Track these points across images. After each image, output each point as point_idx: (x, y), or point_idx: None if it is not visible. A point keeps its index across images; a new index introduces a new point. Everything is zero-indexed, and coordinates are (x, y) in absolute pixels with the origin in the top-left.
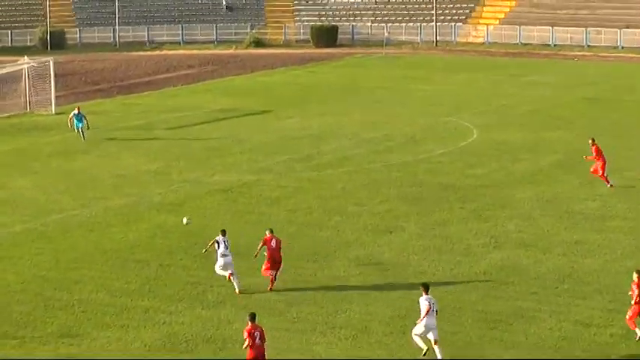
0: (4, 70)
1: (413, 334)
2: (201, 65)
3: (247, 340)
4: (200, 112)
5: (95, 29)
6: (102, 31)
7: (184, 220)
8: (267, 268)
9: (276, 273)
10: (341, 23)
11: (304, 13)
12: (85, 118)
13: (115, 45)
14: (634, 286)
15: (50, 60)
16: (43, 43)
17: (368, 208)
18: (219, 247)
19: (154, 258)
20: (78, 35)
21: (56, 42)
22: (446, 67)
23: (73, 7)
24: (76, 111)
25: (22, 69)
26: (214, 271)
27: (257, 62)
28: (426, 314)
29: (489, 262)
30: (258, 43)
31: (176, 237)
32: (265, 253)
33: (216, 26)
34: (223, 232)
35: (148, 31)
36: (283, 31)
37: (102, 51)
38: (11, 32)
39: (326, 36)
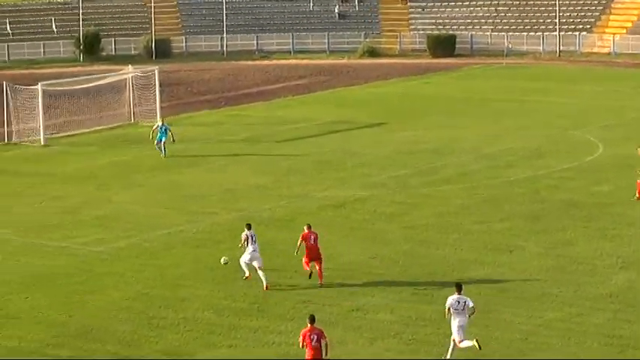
0: (107, 80)
1: (455, 337)
2: (312, 75)
3: (302, 342)
4: (311, 125)
5: (202, 37)
6: (209, 40)
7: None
8: (306, 262)
9: (319, 267)
10: (459, 32)
11: (420, 21)
12: (170, 132)
13: (223, 54)
14: None
15: (155, 69)
16: (148, 51)
17: (487, 225)
18: (248, 242)
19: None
20: (184, 44)
21: (161, 50)
22: (569, 78)
23: (179, 14)
24: (159, 122)
25: (126, 78)
26: (239, 264)
27: (371, 72)
28: (448, 312)
29: (616, 283)
30: (372, 53)
31: (286, 254)
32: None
33: (328, 35)
34: (249, 226)
35: (257, 39)
36: (398, 40)
37: (209, 60)
38: (115, 40)
39: (443, 45)
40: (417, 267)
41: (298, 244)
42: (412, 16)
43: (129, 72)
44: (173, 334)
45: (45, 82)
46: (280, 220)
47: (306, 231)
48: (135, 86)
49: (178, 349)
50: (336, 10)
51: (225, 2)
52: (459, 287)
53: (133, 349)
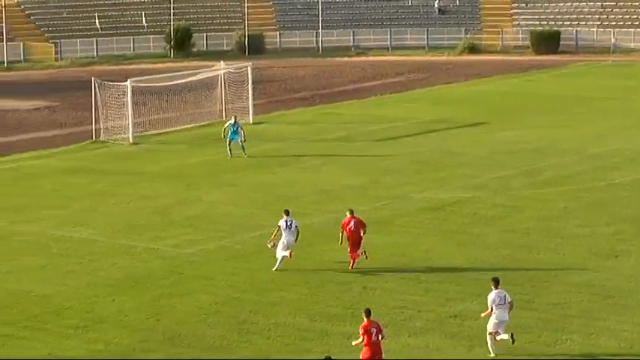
0: (199, 77)
1: (487, 332)
2: (410, 72)
3: (363, 336)
4: (408, 123)
5: (297, 33)
6: (303, 35)
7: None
8: (350, 251)
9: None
10: (564, 28)
11: (523, 17)
12: (242, 130)
13: (318, 50)
14: None
15: (248, 65)
16: (241, 47)
17: (591, 229)
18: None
19: (357, 280)
20: (278, 39)
21: (254, 46)
22: None
23: (273, 9)
24: (232, 120)
25: (217, 75)
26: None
27: (471, 69)
28: (490, 310)
29: None
30: (473, 49)
31: (381, 257)
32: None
33: (427, 30)
34: (287, 212)
35: (353, 35)
36: (500, 36)
37: (303, 56)
38: (206, 36)
39: (547, 42)
40: (517, 272)
41: (340, 234)
42: (515, 11)
43: (221, 68)
44: (264, 340)
45: (134, 79)
46: (377, 222)
47: (348, 217)
48: (227, 83)
49: (269, 355)
50: (436, 5)
51: None
52: (496, 282)
53: (222, 354)
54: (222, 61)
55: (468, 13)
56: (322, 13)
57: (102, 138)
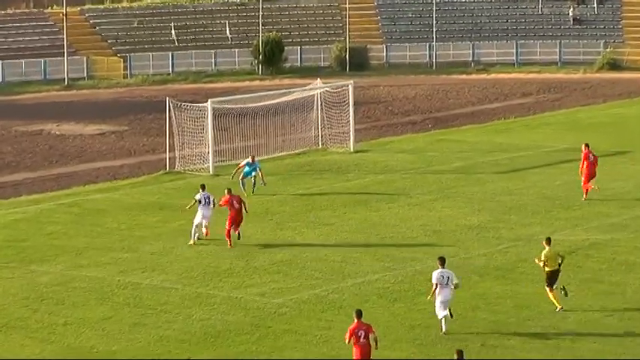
0: (292, 97)
1: (437, 313)
2: (539, 92)
3: (350, 338)
4: (538, 152)
5: (406, 46)
6: (414, 49)
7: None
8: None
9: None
10: None
11: None
12: (261, 171)
13: (431, 66)
14: None
15: (349, 84)
16: (341, 62)
17: None
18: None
19: (474, 336)
20: (384, 53)
21: (357, 61)
22: None
23: (379, 18)
24: (249, 159)
25: (313, 95)
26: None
27: (612, 89)
28: (434, 289)
29: None
30: (614, 65)
31: (505, 310)
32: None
33: (560, 43)
34: (202, 187)
35: (472, 48)
36: None
37: (414, 73)
38: (300, 49)
39: None
40: None
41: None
42: None
43: (317, 87)
44: None
45: (216, 99)
46: (499, 268)
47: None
48: (324, 104)
49: None
50: (571, 14)
51: (435, 3)
52: (442, 261)
53: None
54: (318, 79)
55: (608, 23)
56: (436, 23)
57: (177, 168)
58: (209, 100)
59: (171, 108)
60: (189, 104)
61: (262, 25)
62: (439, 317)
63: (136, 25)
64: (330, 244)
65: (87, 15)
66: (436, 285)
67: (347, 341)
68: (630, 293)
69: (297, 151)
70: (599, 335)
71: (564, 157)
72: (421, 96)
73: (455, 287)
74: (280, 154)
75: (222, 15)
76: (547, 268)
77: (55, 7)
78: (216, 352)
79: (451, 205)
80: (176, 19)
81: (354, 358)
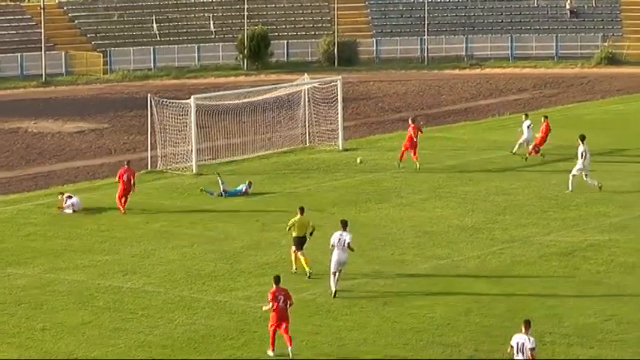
0: (278, 93)
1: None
2: (535, 88)
3: (270, 302)
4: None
5: (397, 40)
6: (405, 43)
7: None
8: None
9: None
10: None
11: None
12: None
13: (423, 61)
14: None
15: (338, 79)
16: (329, 57)
17: None
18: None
19: (467, 341)
20: (374, 47)
21: (345, 56)
22: None
23: (368, 12)
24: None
25: (300, 91)
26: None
27: (610, 85)
28: (333, 250)
29: None
30: (612, 60)
31: (498, 314)
32: None
33: (556, 37)
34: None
35: (465, 42)
36: None
37: (405, 68)
38: (287, 43)
39: None
40: None
41: None
42: None
43: (304, 83)
44: None
45: (199, 96)
46: (492, 271)
47: None
48: (312, 101)
49: None
50: (567, 6)
51: None
52: (344, 224)
53: None
54: (306, 75)
55: (607, 16)
56: (428, 16)
57: (159, 167)
58: (192, 97)
59: (153, 105)
60: (172, 101)
61: (247, 19)
62: (331, 286)
63: (116, 18)
64: (318, 246)
65: (65, 8)
66: (332, 245)
67: (267, 304)
68: (629, 296)
69: (283, 150)
70: (596, 340)
71: (561, 155)
72: (412, 92)
73: (348, 248)
74: (266, 152)
75: (206, 8)
76: (294, 234)
77: (32, 0)
78: (199, 357)
79: (443, 205)
80: (158, 12)
81: (271, 321)
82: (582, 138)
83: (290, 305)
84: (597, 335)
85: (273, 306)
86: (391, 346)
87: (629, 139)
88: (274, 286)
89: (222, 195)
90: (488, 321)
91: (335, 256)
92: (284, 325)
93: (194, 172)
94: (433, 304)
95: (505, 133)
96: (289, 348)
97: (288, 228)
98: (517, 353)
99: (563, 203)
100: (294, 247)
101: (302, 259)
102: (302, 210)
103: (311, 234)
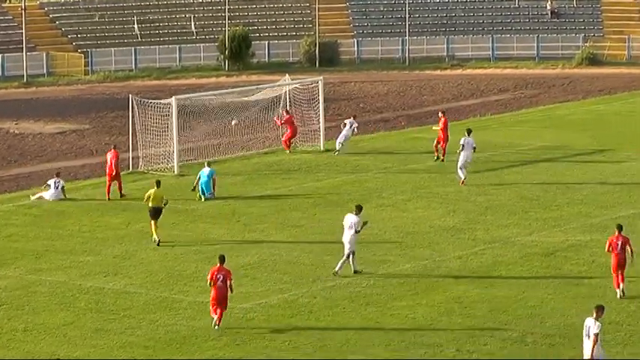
0: (258, 94)
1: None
2: (516, 89)
3: (210, 281)
4: (514, 151)
5: (378, 41)
6: (386, 44)
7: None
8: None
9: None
10: None
11: None
12: (213, 180)
13: (404, 61)
14: None
15: (319, 80)
16: (310, 58)
17: None
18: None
19: (449, 341)
20: (355, 48)
21: (327, 57)
22: None
23: (349, 12)
24: (205, 169)
25: (281, 92)
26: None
27: (591, 85)
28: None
29: None
30: (593, 60)
31: (481, 314)
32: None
33: (537, 38)
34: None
35: (447, 43)
36: (626, 44)
37: (386, 69)
38: (268, 44)
39: None
40: None
41: None
42: None
43: (285, 84)
44: None
45: (181, 96)
46: (474, 271)
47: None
48: (293, 101)
49: None
50: (548, 7)
51: None
52: (358, 208)
53: None
54: (287, 75)
55: (587, 17)
56: (409, 17)
57: (141, 168)
58: (173, 97)
59: (135, 105)
60: (153, 101)
61: (228, 19)
62: (343, 261)
63: (97, 19)
64: (299, 247)
65: (46, 9)
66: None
67: (208, 282)
68: (611, 296)
69: (264, 150)
70: (578, 340)
71: (541, 156)
72: (394, 92)
73: (356, 232)
74: (247, 153)
75: (187, 9)
76: (150, 205)
77: (13, 0)
78: (181, 358)
79: (425, 205)
80: (139, 13)
81: (211, 298)
82: (468, 132)
83: (230, 286)
84: (579, 335)
85: (211, 284)
86: (373, 347)
87: (611, 140)
88: (217, 265)
89: (212, 195)
90: (470, 321)
91: (346, 237)
92: (222, 304)
93: (175, 172)
94: (415, 305)
95: (486, 134)
96: (217, 326)
97: (145, 200)
98: (585, 337)
99: (545, 203)
100: (150, 217)
101: (155, 225)
102: (158, 183)
103: (165, 205)
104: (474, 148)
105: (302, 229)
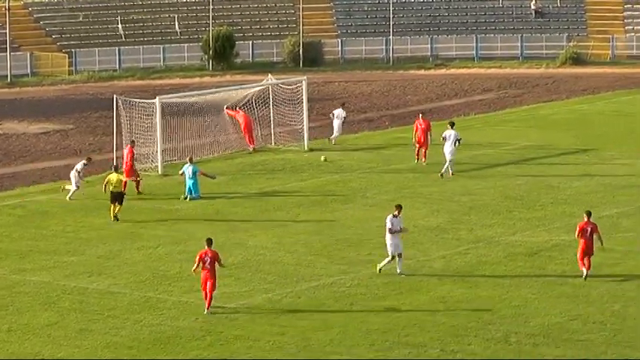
0: (242, 93)
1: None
2: (500, 88)
3: (197, 262)
4: (499, 151)
5: (362, 40)
6: (370, 44)
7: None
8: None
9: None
10: None
11: (638, 20)
12: (201, 174)
13: (388, 61)
14: None
15: (303, 80)
16: (294, 58)
17: None
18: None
19: (433, 341)
20: (339, 48)
21: (311, 56)
22: None
23: (333, 12)
24: (188, 166)
25: (266, 91)
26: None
27: (575, 85)
28: (387, 232)
29: None
30: (577, 60)
31: (465, 314)
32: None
33: (521, 37)
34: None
35: (431, 43)
36: (610, 44)
37: (370, 69)
38: (252, 44)
39: None
40: (629, 331)
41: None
42: (628, 13)
43: (269, 83)
44: None
45: (165, 96)
46: (458, 271)
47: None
48: (277, 101)
49: None
50: (532, 7)
51: None
52: (398, 208)
53: None
54: (270, 75)
55: (572, 16)
56: (393, 17)
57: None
58: (157, 97)
59: (119, 105)
60: (137, 101)
61: (212, 19)
62: (383, 262)
63: (81, 19)
64: (283, 247)
65: (30, 9)
66: (389, 228)
67: (195, 265)
68: (595, 296)
69: (248, 150)
70: (562, 340)
71: (525, 156)
72: (377, 92)
73: (402, 231)
74: (231, 152)
75: (171, 9)
76: (110, 189)
77: None
78: (166, 358)
79: (409, 205)
80: (123, 13)
81: (202, 283)
82: (451, 124)
83: (219, 263)
84: (563, 335)
85: (200, 267)
86: (357, 347)
87: (594, 139)
88: (206, 247)
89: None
90: (455, 321)
91: (390, 239)
92: (209, 285)
93: (159, 172)
94: (399, 305)
95: (470, 133)
96: (206, 310)
97: (104, 186)
98: None
99: (529, 203)
100: (111, 202)
101: (114, 208)
102: (116, 168)
103: (124, 186)
104: (459, 140)
105: (286, 229)
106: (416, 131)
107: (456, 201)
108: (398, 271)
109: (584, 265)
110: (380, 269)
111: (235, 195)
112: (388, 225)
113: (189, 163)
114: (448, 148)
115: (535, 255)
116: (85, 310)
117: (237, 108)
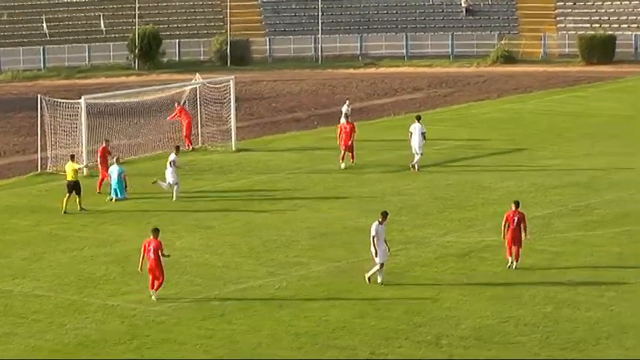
0: (169, 93)
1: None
2: (430, 87)
3: (142, 253)
4: (429, 150)
5: (290, 39)
6: (299, 42)
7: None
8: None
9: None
10: (620, 32)
11: (570, 18)
12: (124, 179)
13: (317, 60)
14: None
15: (230, 79)
16: (221, 56)
17: None
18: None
19: (363, 344)
20: (267, 46)
21: (238, 55)
22: None
23: (261, 10)
24: (114, 167)
25: (193, 91)
26: None
27: (506, 84)
28: (372, 240)
29: None
30: (508, 59)
31: (395, 316)
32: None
33: (452, 35)
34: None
35: (360, 41)
36: (542, 42)
37: (298, 68)
38: (179, 43)
39: (599, 49)
40: (562, 333)
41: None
42: (560, 11)
43: (196, 83)
44: None
45: (90, 96)
46: (389, 273)
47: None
48: (204, 101)
49: None
50: (463, 4)
51: None
52: (384, 215)
53: None
54: (197, 74)
55: (503, 14)
56: (322, 14)
57: (49, 169)
58: (82, 97)
59: (43, 105)
60: (62, 101)
61: (138, 18)
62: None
63: (5, 18)
64: (211, 248)
65: None
66: (372, 237)
67: (141, 255)
68: (527, 298)
69: (187, 150)
70: (494, 342)
71: (456, 155)
72: (306, 91)
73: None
74: (157, 153)
75: (97, 7)
76: (68, 178)
77: None
78: None
79: (338, 206)
80: (48, 11)
81: (148, 270)
82: (417, 118)
83: (162, 255)
84: (495, 337)
85: (144, 256)
86: (286, 350)
87: (526, 139)
88: (151, 237)
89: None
90: (384, 323)
91: (377, 247)
92: (156, 274)
93: (85, 173)
94: (328, 307)
95: (400, 133)
96: (153, 295)
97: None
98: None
99: (460, 204)
100: (67, 192)
101: (68, 200)
102: (72, 157)
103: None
104: (423, 133)
105: (213, 230)
106: (340, 133)
107: (386, 201)
108: (379, 280)
109: (510, 254)
110: (369, 278)
111: (162, 196)
112: (372, 232)
113: (115, 164)
114: (417, 143)
115: (466, 256)
116: (8, 313)
117: (177, 104)
